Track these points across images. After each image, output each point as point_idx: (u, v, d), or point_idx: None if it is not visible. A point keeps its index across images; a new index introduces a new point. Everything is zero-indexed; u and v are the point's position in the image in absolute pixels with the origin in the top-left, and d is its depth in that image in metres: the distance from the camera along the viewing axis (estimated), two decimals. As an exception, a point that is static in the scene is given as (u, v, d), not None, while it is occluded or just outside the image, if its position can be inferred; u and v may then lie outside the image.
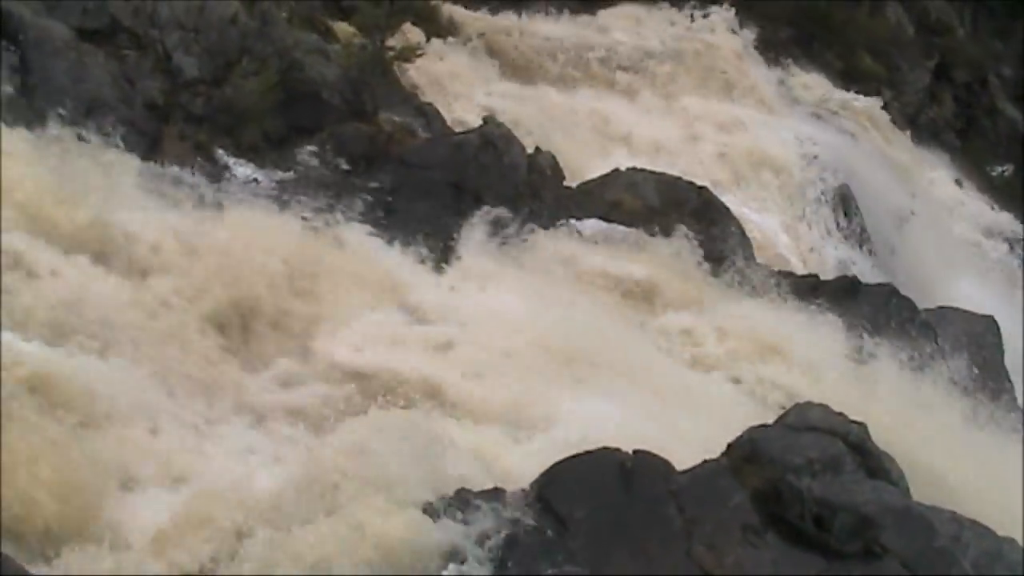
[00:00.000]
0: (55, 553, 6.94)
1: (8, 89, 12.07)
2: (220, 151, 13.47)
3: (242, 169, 13.30)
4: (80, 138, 12.04)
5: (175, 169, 12.59)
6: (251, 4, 15.60)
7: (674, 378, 11.42)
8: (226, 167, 13.23)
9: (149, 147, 12.88)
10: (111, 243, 10.59)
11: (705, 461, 7.72)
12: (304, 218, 12.51)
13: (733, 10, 25.52)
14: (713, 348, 12.25)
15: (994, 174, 28.89)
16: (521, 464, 8.46)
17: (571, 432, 8.96)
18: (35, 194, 10.39)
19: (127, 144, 12.44)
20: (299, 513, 7.17)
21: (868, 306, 13.99)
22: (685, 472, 7.61)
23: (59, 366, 8.36)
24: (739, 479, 7.49)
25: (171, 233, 11.11)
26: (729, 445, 7.78)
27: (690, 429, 9.59)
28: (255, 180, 13.22)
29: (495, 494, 7.49)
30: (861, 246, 21.08)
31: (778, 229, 19.54)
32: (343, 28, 17.61)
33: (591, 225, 14.56)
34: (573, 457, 7.66)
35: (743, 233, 15.97)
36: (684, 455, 7.79)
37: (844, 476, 7.48)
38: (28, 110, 12.08)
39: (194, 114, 13.90)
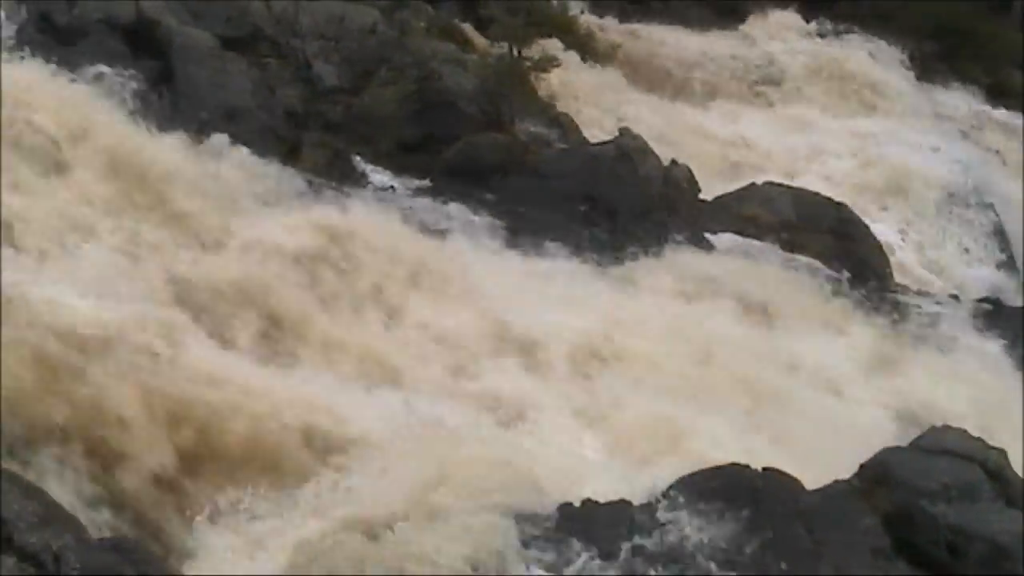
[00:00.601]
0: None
1: (156, 94, 12.35)
2: (357, 158, 13.67)
3: (378, 176, 13.47)
4: (221, 143, 12.31)
5: (312, 175, 12.77)
6: (390, 14, 15.85)
7: (806, 398, 11.21)
8: (363, 174, 13.41)
9: (288, 153, 13.11)
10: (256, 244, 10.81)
11: (836, 481, 7.55)
12: (438, 227, 12.60)
13: (874, 25, 25.01)
14: (845, 368, 12.00)
15: None
16: (646, 479, 8.37)
17: (698, 448, 8.86)
18: (180, 195, 10.67)
19: (266, 150, 12.69)
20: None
21: (1011, 329, 13.58)
22: (815, 492, 7.46)
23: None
24: (870, 502, 7.30)
25: (308, 234, 11.25)
26: (861, 466, 7.59)
27: (820, 449, 9.39)
28: (391, 187, 13.37)
29: (622, 506, 7.43)
30: (1005, 267, 20.50)
31: (918, 248, 19.08)
32: (481, 39, 17.69)
33: (726, 239, 14.42)
34: (701, 472, 7.56)
35: (881, 251, 15.67)
36: (814, 476, 7.63)
37: (981, 503, 7.24)
38: (174, 114, 12.39)
39: (332, 122, 14.15)
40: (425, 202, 13.08)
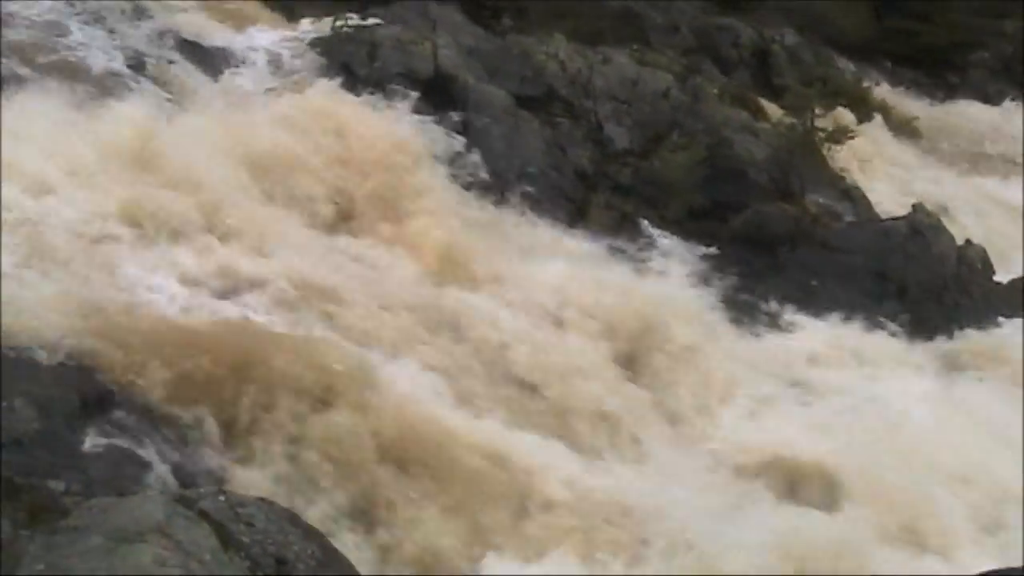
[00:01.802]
0: None
1: (452, 148, 12.60)
2: (644, 222, 13.59)
3: (665, 241, 13.36)
4: (509, 198, 12.48)
5: (599, 236, 12.78)
6: (683, 79, 15.77)
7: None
8: (649, 238, 13.31)
9: (575, 213, 13.17)
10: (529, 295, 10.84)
11: None
12: (723, 295, 12.40)
13: None
14: None
15: None
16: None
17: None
18: (459, 245, 10.82)
19: (555, 208, 12.77)
20: None
21: None
22: None
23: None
24: None
25: (591, 291, 11.20)
26: None
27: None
28: (676, 252, 13.22)
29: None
30: None
31: None
32: (773, 107, 17.44)
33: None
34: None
35: None
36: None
37: None
38: (466, 168, 12.61)
39: (621, 184, 14.13)
40: (711, 269, 12.89)
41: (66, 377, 6.97)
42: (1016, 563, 7.39)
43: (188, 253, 9.25)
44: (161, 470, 6.77)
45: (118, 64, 12.19)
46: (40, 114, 10.23)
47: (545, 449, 8.60)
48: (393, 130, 12.37)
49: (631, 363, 10.49)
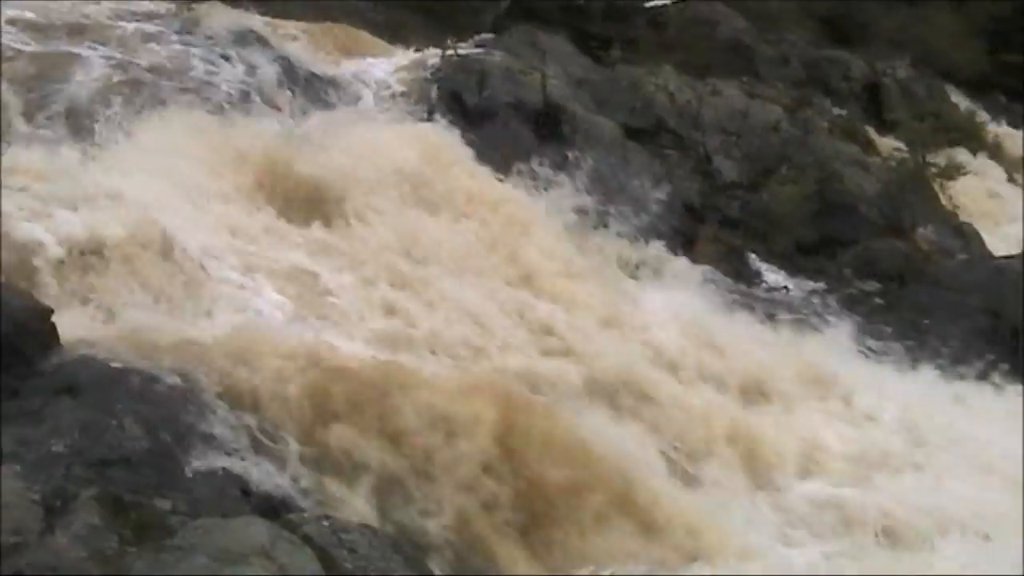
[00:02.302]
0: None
1: (559, 176, 12.61)
2: (752, 255, 13.46)
3: (773, 276, 13.23)
4: (617, 229, 12.46)
5: (706, 269, 12.67)
6: (793, 112, 15.63)
7: None
8: (757, 272, 13.20)
9: (683, 245, 13.07)
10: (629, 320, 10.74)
11: None
12: (829, 331, 12.18)
13: None
14: None
15: None
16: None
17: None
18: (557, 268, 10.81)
19: (662, 240, 12.70)
20: None
21: None
22: None
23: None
24: None
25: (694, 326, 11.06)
26: None
27: None
28: (785, 288, 13.09)
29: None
30: None
31: None
32: (884, 141, 17.21)
33: None
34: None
35: None
36: None
37: None
38: (574, 198, 12.61)
39: (729, 217, 14.03)
40: (819, 304, 12.70)
41: (174, 398, 7.01)
42: None
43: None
44: (265, 493, 6.78)
45: (236, 89, 12.44)
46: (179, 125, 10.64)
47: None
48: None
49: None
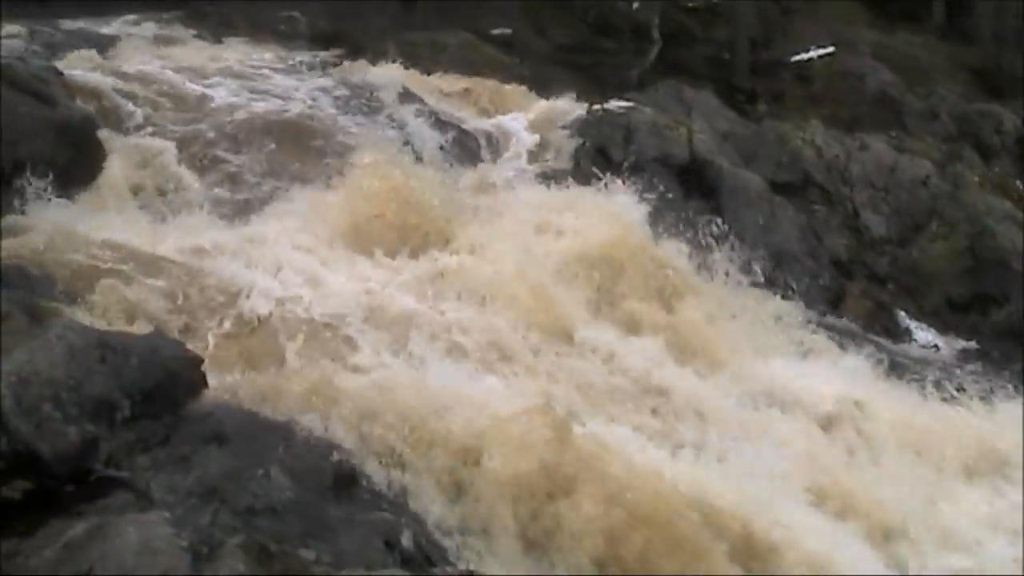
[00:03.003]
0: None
1: (709, 234, 12.58)
2: (901, 313, 13.27)
3: (923, 334, 13.00)
4: (764, 285, 12.36)
5: (853, 326, 12.51)
6: (943, 166, 15.39)
7: None
8: (907, 330, 13.00)
9: (830, 302, 12.96)
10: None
11: None
12: (980, 394, 11.87)
13: None
14: None
15: None
16: None
17: None
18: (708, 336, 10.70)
19: (808, 297, 12.59)
20: None
21: None
22: None
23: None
24: None
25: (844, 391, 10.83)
26: None
27: None
28: (935, 346, 12.85)
29: None
30: None
31: None
32: (1039, 197, 16.83)
33: None
34: None
35: None
36: None
37: None
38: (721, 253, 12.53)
39: (877, 273, 13.86)
40: (972, 366, 12.42)
41: (319, 448, 7.13)
42: None
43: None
44: (407, 546, 6.85)
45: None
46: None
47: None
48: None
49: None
